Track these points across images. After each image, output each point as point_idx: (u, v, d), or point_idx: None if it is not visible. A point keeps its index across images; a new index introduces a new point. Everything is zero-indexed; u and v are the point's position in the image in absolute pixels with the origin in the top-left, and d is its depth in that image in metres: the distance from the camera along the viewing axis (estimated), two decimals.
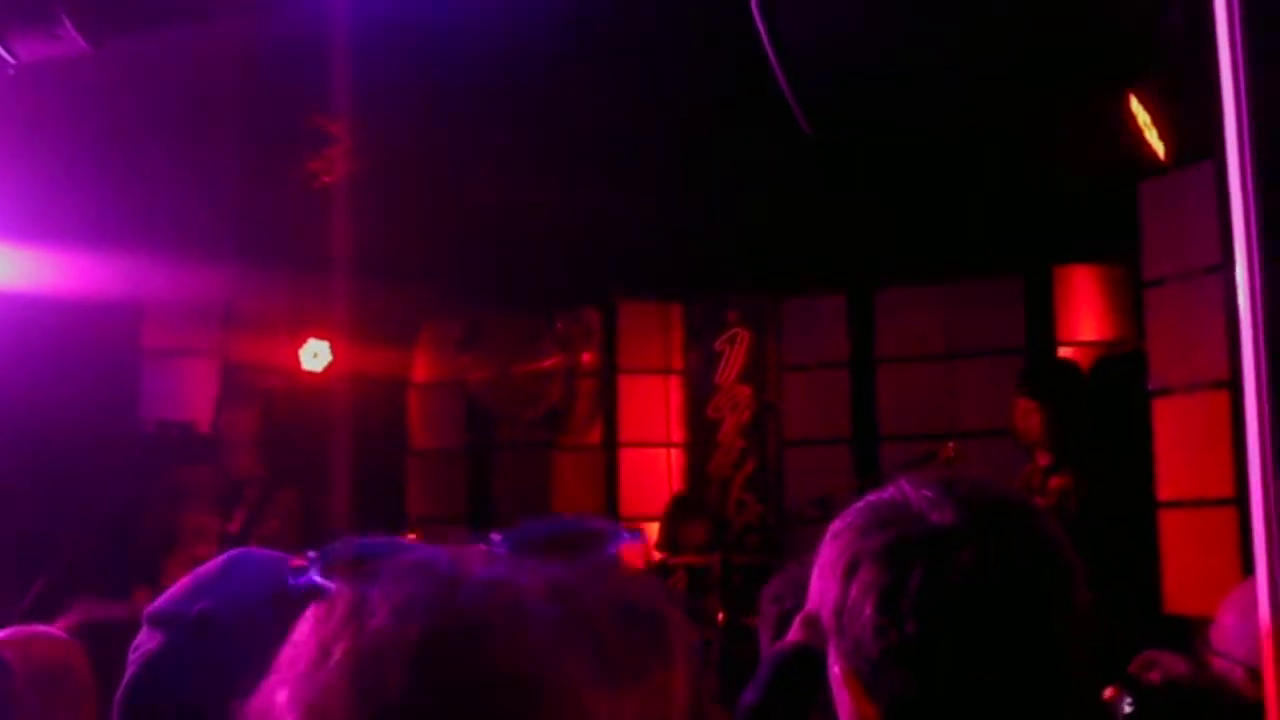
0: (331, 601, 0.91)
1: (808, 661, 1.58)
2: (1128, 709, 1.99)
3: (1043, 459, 5.74)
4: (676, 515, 7.27)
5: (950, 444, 6.33)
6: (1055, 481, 5.70)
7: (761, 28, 4.23)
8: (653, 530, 7.41)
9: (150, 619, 1.60)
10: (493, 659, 0.85)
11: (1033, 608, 1.38)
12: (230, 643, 1.54)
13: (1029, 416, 5.78)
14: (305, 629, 0.91)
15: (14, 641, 2.41)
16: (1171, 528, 5.29)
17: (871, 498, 1.49)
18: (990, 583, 1.37)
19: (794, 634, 2.13)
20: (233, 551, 1.68)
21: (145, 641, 1.59)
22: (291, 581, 0.96)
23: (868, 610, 1.38)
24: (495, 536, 1.04)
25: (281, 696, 0.87)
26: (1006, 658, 1.37)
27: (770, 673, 1.90)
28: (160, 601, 1.62)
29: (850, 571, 1.41)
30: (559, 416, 8.34)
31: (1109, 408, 6.24)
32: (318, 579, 0.94)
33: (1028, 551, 1.41)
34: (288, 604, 1.60)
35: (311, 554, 1.00)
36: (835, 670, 1.45)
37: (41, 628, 2.61)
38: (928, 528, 1.40)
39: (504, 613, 0.87)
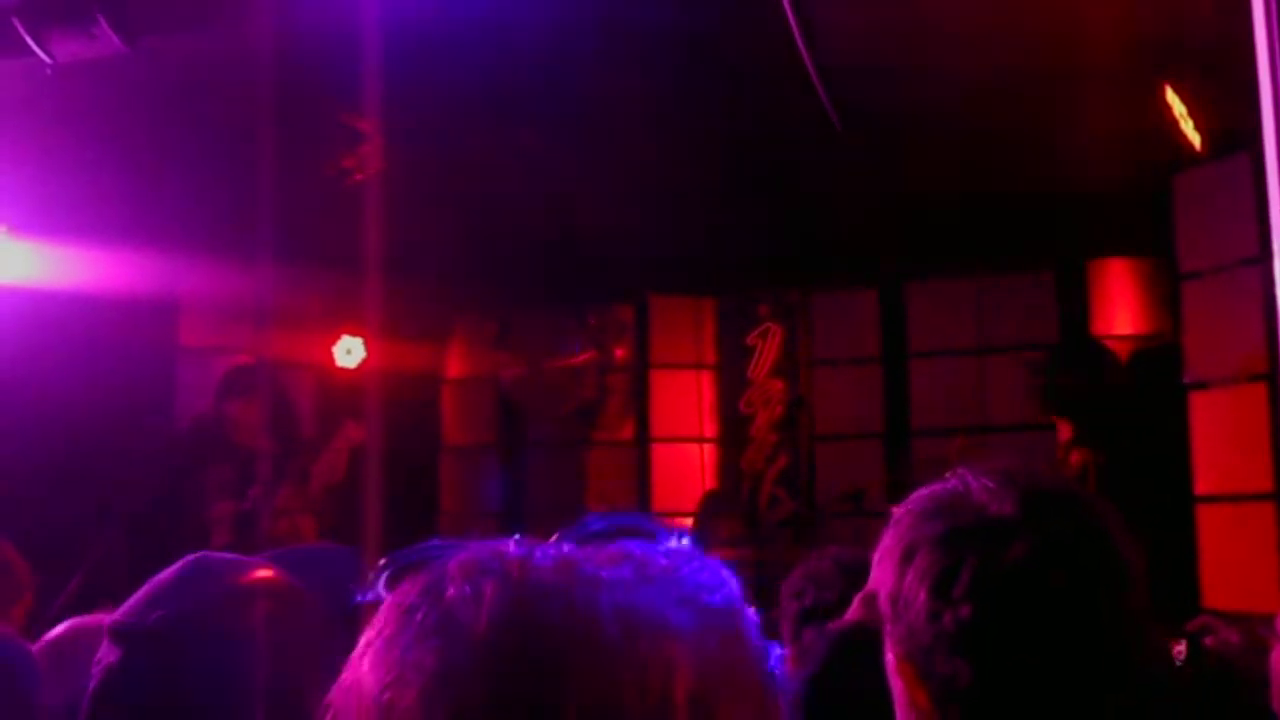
0: (411, 579, 0.94)
1: (865, 638, 1.58)
2: (1179, 659, 2.03)
3: (1064, 432, 5.72)
4: (708, 511, 7.27)
5: (960, 438, 6.31)
6: (1076, 456, 5.68)
7: (794, 26, 4.23)
8: (686, 526, 7.41)
9: (109, 631, 1.60)
10: (566, 619, 0.87)
11: (1086, 599, 1.38)
12: (187, 651, 1.55)
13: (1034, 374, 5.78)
14: (387, 604, 0.93)
15: None
16: (1209, 522, 5.25)
17: (935, 486, 1.49)
18: (1044, 573, 1.37)
19: (853, 612, 2.14)
20: (189, 557, 1.66)
21: (105, 655, 1.59)
22: (359, 599, 0.98)
23: (921, 597, 1.38)
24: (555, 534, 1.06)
25: (365, 665, 0.90)
26: (1059, 647, 1.36)
27: (828, 648, 1.90)
28: (118, 613, 1.61)
29: (906, 558, 1.42)
30: (592, 412, 8.35)
31: (1145, 401, 6.21)
32: (384, 592, 0.96)
33: (1084, 543, 1.40)
34: (245, 609, 1.59)
35: (381, 562, 1.01)
36: (889, 657, 1.45)
37: None
38: (986, 517, 1.40)
39: (574, 579, 0.89)
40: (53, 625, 2.98)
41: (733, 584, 0.97)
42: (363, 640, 0.92)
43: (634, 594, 0.90)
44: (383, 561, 1.04)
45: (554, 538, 1.00)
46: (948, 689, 1.38)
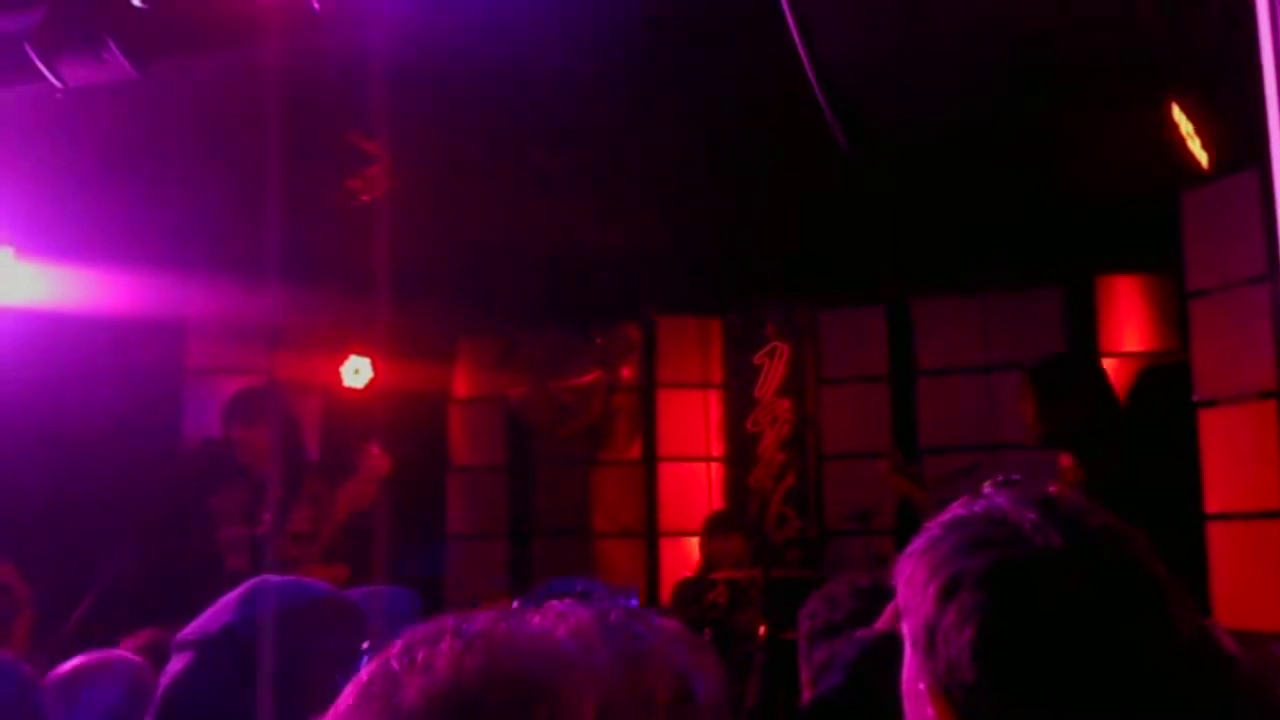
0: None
1: (892, 649, 1.56)
2: None
3: (1065, 459, 5.71)
4: (710, 531, 7.27)
5: (972, 460, 6.30)
6: (1075, 477, 5.67)
7: (799, 46, 4.24)
8: (693, 546, 7.41)
9: (177, 644, 1.67)
10: (492, 695, 0.99)
11: (1143, 634, 1.35)
12: (253, 660, 1.59)
13: (1022, 397, 5.76)
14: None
15: None
16: (1220, 540, 5.24)
17: (960, 512, 1.46)
18: (1101, 609, 1.35)
19: (883, 621, 2.13)
20: (253, 579, 1.73)
21: (173, 665, 1.66)
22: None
23: (968, 634, 1.35)
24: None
25: None
26: (1114, 685, 1.34)
27: (855, 657, 1.89)
28: (187, 628, 1.68)
29: (948, 592, 1.38)
30: (599, 432, 8.34)
31: (1154, 419, 6.19)
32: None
33: (1137, 576, 1.38)
34: (310, 623, 1.65)
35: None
36: (920, 686, 1.43)
37: None
38: (1034, 551, 1.37)
39: (502, 650, 1.02)
40: (62, 649, 2.98)
41: (657, 636, 1.09)
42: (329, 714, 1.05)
43: (546, 639, 1.03)
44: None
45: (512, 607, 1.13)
46: None
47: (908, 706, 1.47)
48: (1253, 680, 1.72)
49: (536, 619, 1.06)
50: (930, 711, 1.41)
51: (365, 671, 1.04)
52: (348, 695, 1.03)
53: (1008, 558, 1.38)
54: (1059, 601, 1.35)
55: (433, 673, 0.99)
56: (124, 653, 2.70)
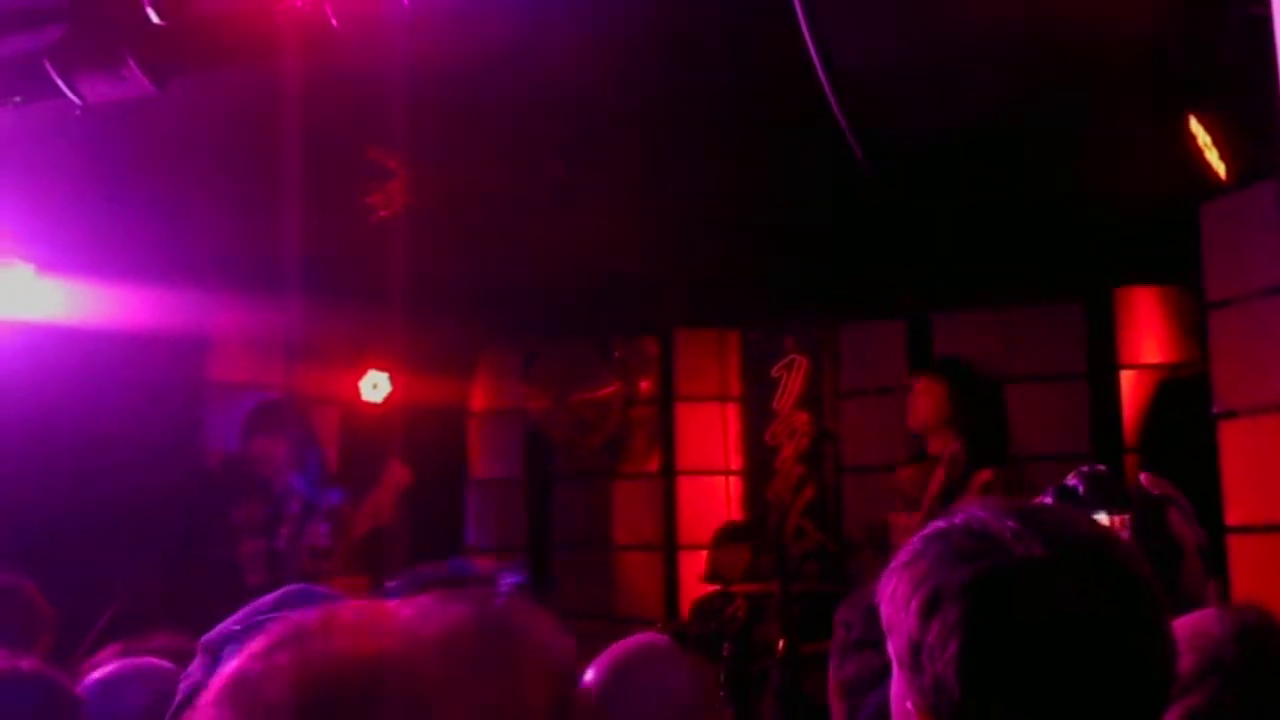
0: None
1: None
2: None
3: (936, 445, 5.69)
4: (718, 542, 7.27)
5: (988, 471, 6.28)
6: (983, 476, 5.67)
7: (816, 59, 4.24)
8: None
9: (204, 647, 1.67)
10: (360, 677, 0.97)
11: (1130, 644, 1.34)
12: None
13: (925, 397, 5.76)
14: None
15: None
16: (1240, 553, 5.21)
17: (941, 525, 1.44)
18: (1086, 618, 1.33)
19: None
20: (287, 587, 1.72)
21: (196, 671, 1.66)
22: (181, 684, 1.12)
23: (952, 649, 1.33)
24: (389, 583, 1.21)
25: None
26: (1101, 694, 1.32)
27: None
28: (213, 632, 1.67)
29: (930, 607, 1.36)
30: (617, 445, 8.34)
31: (1173, 431, 6.17)
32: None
33: (1120, 584, 1.36)
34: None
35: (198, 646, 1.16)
36: (907, 706, 1.40)
37: None
38: (1015, 561, 1.35)
39: (371, 637, 1.01)
40: (81, 663, 2.99)
41: (531, 621, 1.09)
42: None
43: (418, 650, 1.00)
44: (199, 647, 1.15)
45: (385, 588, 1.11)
46: None
47: None
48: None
49: (406, 612, 1.04)
50: None
51: (231, 666, 1.02)
52: (212, 690, 1.01)
53: (989, 569, 1.35)
54: (1042, 612, 1.33)
55: (294, 672, 0.97)
56: (155, 659, 2.71)
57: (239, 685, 0.98)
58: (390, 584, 1.18)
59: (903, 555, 1.44)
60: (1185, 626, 1.70)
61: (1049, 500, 1.89)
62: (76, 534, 5.82)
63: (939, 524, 1.45)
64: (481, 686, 0.99)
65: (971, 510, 1.44)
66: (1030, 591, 1.34)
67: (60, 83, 3.63)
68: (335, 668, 0.97)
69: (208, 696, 1.00)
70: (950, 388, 5.84)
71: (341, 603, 1.06)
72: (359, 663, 0.97)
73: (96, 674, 2.57)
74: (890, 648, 1.43)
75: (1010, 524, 1.39)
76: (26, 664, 2.21)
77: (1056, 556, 1.36)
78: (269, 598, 1.71)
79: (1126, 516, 1.91)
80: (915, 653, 1.37)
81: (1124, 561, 1.40)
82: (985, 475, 5.58)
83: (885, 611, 1.44)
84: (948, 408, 5.76)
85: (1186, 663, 1.65)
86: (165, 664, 2.66)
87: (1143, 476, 1.97)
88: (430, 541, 7.69)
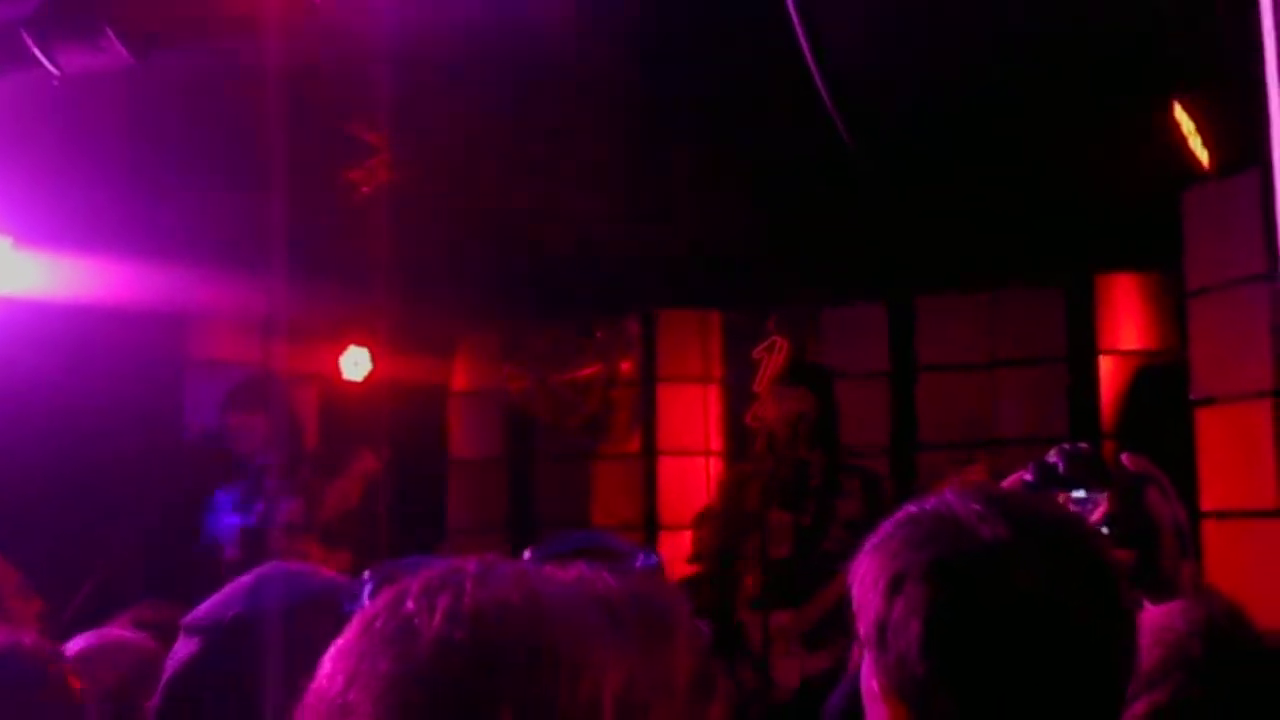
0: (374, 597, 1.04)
1: None
2: None
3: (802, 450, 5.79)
4: (698, 524, 7.28)
5: (979, 463, 6.29)
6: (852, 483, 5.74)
7: (803, 41, 4.24)
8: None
9: (186, 627, 1.67)
10: (505, 629, 0.96)
11: (1089, 624, 1.36)
12: (262, 649, 1.60)
13: (802, 406, 5.81)
14: (355, 616, 1.03)
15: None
16: (1214, 538, 5.25)
17: (912, 510, 1.46)
18: (1047, 599, 1.35)
19: None
20: (264, 566, 1.75)
21: (180, 649, 1.65)
22: (347, 608, 1.08)
23: (915, 627, 1.35)
24: (526, 552, 1.17)
25: (329, 669, 0.99)
26: (1061, 676, 1.34)
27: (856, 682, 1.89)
28: (196, 611, 1.69)
29: (895, 587, 1.38)
30: (598, 425, 8.34)
31: (1150, 417, 6.20)
32: (367, 603, 1.05)
33: (1083, 567, 1.38)
34: (316, 614, 1.66)
35: (365, 574, 1.12)
36: (873, 685, 1.43)
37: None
38: (978, 543, 1.37)
39: (520, 593, 0.99)
40: (62, 638, 2.98)
41: (675, 599, 1.07)
42: (331, 648, 1.02)
43: (572, 610, 0.99)
44: (366, 575, 1.12)
45: (523, 555, 1.09)
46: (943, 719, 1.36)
47: (865, 706, 1.47)
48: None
49: (560, 577, 1.03)
50: (884, 710, 1.41)
51: (372, 607, 1.01)
52: (351, 631, 1.01)
53: (953, 550, 1.38)
54: (1005, 591, 1.35)
55: (452, 623, 0.96)
56: (129, 633, 2.70)
57: (396, 625, 0.97)
58: (529, 551, 1.15)
59: (874, 538, 1.46)
60: (1150, 621, 1.72)
61: (1029, 476, 1.90)
62: (54, 508, 5.81)
63: (910, 508, 1.47)
64: (637, 655, 0.99)
65: (943, 495, 1.46)
66: (992, 573, 1.36)
67: (38, 53, 3.61)
68: (496, 612, 0.97)
69: (351, 637, 1.00)
70: (819, 402, 5.94)
71: (495, 557, 1.04)
72: (519, 611, 0.98)
73: (70, 647, 2.56)
74: (859, 627, 1.45)
75: (975, 507, 1.41)
76: (28, 639, 2.20)
77: (1020, 539, 1.38)
78: (247, 576, 1.71)
79: (1104, 494, 1.92)
80: (881, 631, 1.39)
81: (1088, 545, 1.43)
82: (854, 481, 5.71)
83: (855, 592, 1.46)
84: (815, 421, 5.87)
85: (1152, 657, 1.66)
86: (140, 638, 2.65)
87: (1123, 456, 1.98)
88: (410, 520, 7.69)
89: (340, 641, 1.01)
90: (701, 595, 6.90)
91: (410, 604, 0.98)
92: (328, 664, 1.00)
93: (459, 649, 0.95)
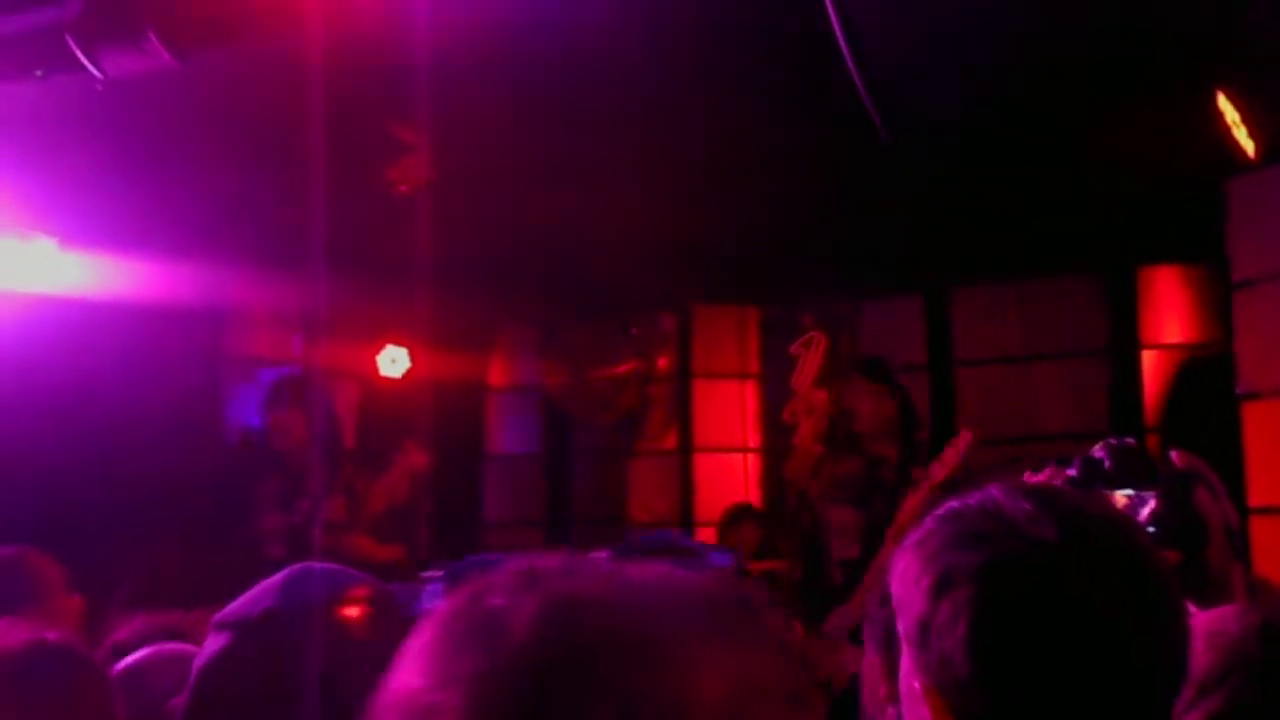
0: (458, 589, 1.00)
1: None
2: None
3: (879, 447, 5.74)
4: (724, 523, 7.28)
5: (1050, 467, 6.23)
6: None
7: (838, 32, 4.21)
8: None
9: (216, 624, 1.68)
10: (597, 628, 0.93)
11: (1138, 632, 1.34)
12: (291, 645, 1.59)
13: (881, 404, 5.78)
14: (434, 612, 0.99)
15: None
16: (1262, 534, 5.19)
17: (956, 506, 1.44)
18: (1096, 603, 1.33)
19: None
20: (295, 565, 1.75)
21: (210, 644, 1.67)
22: (421, 605, 1.05)
23: (961, 629, 1.33)
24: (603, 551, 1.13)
25: (410, 669, 0.96)
26: (1107, 682, 1.32)
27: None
28: (226, 609, 1.69)
29: (941, 587, 1.36)
30: (635, 421, 8.34)
31: (1196, 411, 6.15)
32: (438, 600, 1.01)
33: (1132, 572, 1.36)
34: (346, 612, 1.66)
35: (438, 572, 1.09)
36: (914, 684, 1.41)
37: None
38: (1028, 544, 1.35)
39: (608, 591, 0.96)
40: (100, 638, 2.98)
41: (760, 598, 1.03)
42: (409, 646, 0.98)
43: (664, 606, 0.96)
44: (436, 572, 1.10)
45: (600, 552, 1.04)
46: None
47: (904, 706, 1.46)
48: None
49: (647, 574, 0.99)
50: (925, 710, 1.39)
51: (452, 605, 0.97)
52: (430, 630, 0.97)
53: (1001, 552, 1.36)
54: (1052, 595, 1.33)
55: (544, 620, 0.93)
56: (184, 645, 2.70)
57: (483, 622, 0.94)
58: (606, 550, 1.12)
59: (915, 535, 1.44)
60: (1204, 625, 1.70)
61: (1074, 473, 1.87)
62: (95, 507, 5.84)
63: (953, 504, 1.45)
64: (735, 654, 0.96)
65: (987, 491, 1.44)
66: (1040, 576, 1.34)
67: (81, 56, 3.62)
68: (589, 608, 0.94)
69: (431, 635, 0.96)
70: (900, 397, 5.89)
71: (578, 555, 1.01)
72: (613, 607, 0.95)
73: (126, 660, 2.56)
74: (899, 625, 1.43)
75: (1025, 506, 1.39)
76: (53, 635, 2.20)
77: (1069, 541, 1.36)
78: (276, 577, 1.71)
79: (1151, 493, 1.89)
80: (924, 631, 1.38)
81: (1137, 548, 1.40)
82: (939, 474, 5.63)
83: (895, 590, 1.44)
84: (898, 415, 5.81)
85: (1205, 662, 1.64)
86: (194, 650, 2.65)
87: (1173, 454, 1.95)
88: (448, 515, 7.71)
89: (417, 640, 0.98)
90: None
91: (496, 601, 0.95)
92: (406, 663, 0.96)
93: (553, 645, 0.92)
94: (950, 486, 5.30)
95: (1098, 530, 1.39)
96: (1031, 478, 1.93)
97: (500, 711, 0.90)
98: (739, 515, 7.38)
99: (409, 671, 0.96)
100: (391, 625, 1.66)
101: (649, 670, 0.91)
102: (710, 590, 1.00)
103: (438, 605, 1.00)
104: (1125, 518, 1.56)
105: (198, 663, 1.66)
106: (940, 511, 1.45)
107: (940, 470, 5.44)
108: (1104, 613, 1.33)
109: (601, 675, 0.91)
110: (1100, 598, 1.33)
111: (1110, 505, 1.70)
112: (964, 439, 5.56)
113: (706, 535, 7.97)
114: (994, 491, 1.43)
